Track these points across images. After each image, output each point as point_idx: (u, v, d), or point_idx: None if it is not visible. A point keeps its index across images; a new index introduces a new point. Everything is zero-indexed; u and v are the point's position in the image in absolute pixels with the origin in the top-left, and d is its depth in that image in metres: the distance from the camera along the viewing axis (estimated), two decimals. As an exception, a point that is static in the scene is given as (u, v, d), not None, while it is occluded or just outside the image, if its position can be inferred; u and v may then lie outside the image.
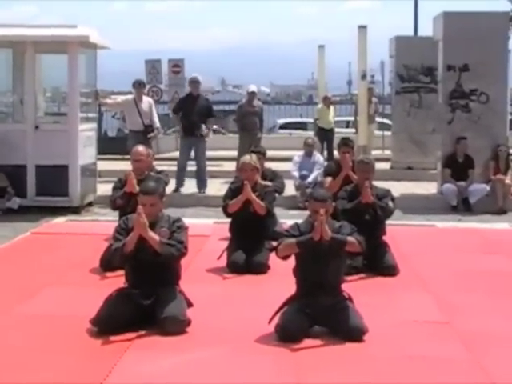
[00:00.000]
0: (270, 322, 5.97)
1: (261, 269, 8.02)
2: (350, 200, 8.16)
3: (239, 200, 8.21)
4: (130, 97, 14.43)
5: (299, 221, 6.45)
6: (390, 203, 8.21)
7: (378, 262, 7.94)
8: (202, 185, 14.27)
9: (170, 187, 12.44)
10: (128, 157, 9.57)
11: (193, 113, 14.03)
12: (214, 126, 31.05)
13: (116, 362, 5.39)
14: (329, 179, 9.73)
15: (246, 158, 8.56)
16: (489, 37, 13.42)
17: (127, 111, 14.32)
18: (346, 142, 9.76)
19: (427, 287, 7.58)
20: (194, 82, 14.55)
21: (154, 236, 6.07)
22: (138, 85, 14.18)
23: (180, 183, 14.18)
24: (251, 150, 9.68)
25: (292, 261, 6.21)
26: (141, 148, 8.69)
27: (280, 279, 6.99)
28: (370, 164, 8.33)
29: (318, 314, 5.93)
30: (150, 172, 8.71)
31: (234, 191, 8.40)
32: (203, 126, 14.02)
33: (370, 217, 8.03)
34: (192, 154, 14.43)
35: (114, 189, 8.50)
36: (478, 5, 42.48)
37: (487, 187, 13.52)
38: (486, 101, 13.66)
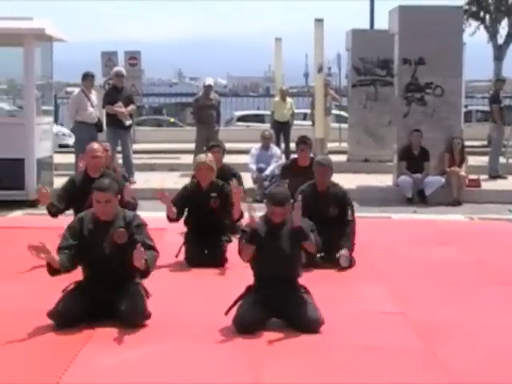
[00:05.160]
0: (226, 313, 6.01)
1: (219, 262, 8.02)
2: (308, 203, 7.45)
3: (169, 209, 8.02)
4: (76, 90, 14.43)
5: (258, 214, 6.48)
6: (349, 212, 8.16)
7: (334, 254, 7.99)
8: (128, 172, 14.33)
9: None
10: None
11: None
12: (171, 119, 31.13)
13: (75, 355, 5.39)
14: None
15: (202, 157, 8.39)
16: (444, 30, 13.59)
17: (79, 105, 14.14)
18: (304, 140, 9.75)
19: (382, 278, 7.69)
20: (119, 76, 14.68)
21: (142, 262, 5.93)
22: (91, 77, 14.22)
23: None
24: (210, 145, 9.62)
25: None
26: (96, 145, 8.64)
27: (238, 272, 7.04)
28: (327, 165, 8.25)
29: (274, 306, 5.99)
30: (106, 169, 8.65)
31: (184, 195, 8.26)
32: (127, 117, 14.29)
33: (332, 213, 8.06)
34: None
35: (62, 190, 8.44)
36: (433, -2, 42.68)
37: (442, 179, 13.70)
38: (441, 94, 13.84)
